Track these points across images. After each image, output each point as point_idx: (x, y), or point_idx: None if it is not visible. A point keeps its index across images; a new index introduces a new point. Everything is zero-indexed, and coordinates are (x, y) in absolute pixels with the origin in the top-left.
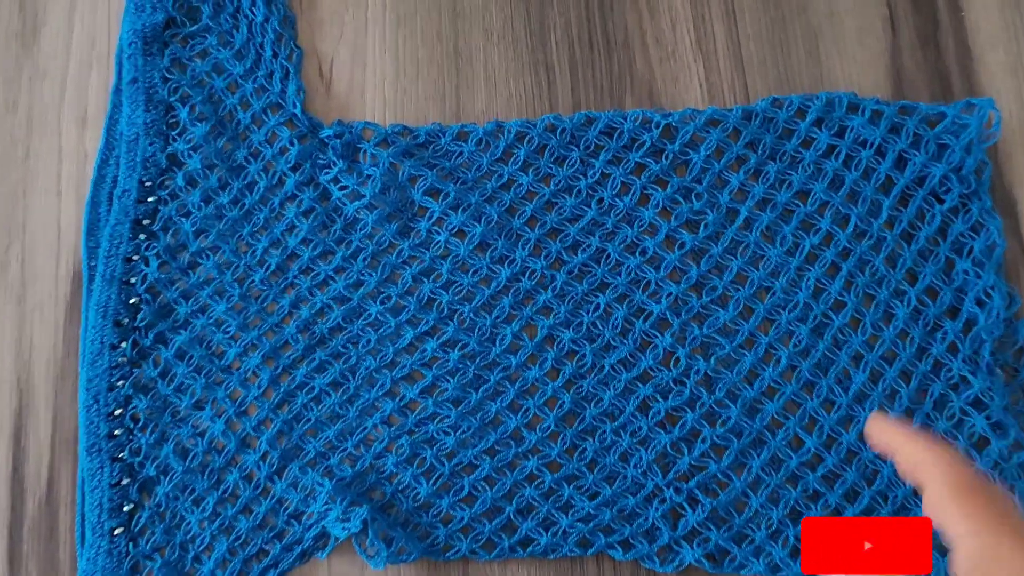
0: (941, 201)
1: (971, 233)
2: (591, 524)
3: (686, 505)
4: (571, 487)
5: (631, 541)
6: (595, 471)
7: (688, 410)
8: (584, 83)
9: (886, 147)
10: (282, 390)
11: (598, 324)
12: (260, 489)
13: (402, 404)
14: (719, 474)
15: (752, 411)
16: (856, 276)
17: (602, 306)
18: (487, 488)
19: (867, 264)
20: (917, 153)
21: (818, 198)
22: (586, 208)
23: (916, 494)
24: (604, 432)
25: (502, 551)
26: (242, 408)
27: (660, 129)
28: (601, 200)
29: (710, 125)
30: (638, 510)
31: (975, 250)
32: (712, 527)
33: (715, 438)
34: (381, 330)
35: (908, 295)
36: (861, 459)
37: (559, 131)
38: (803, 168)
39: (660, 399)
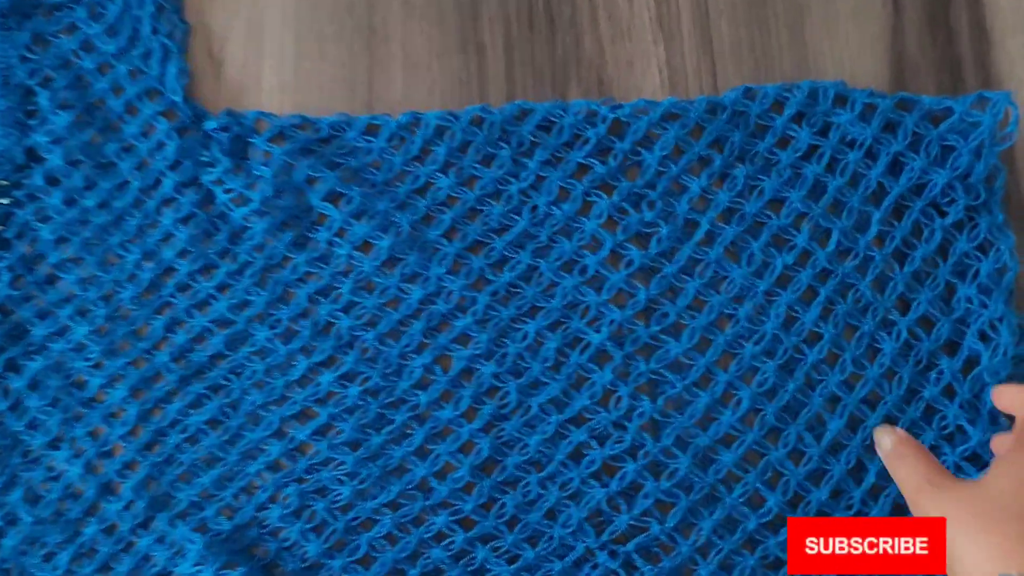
0: (943, 214)
1: (978, 253)
2: None
3: (622, 572)
4: (486, 548)
5: None
6: (515, 530)
7: (629, 459)
8: (521, 67)
9: (879, 148)
10: (152, 428)
11: (525, 356)
12: (123, 544)
13: (291, 447)
14: (663, 536)
15: (705, 462)
16: (836, 303)
17: (531, 335)
18: (387, 547)
19: (850, 289)
20: (916, 156)
21: (794, 208)
22: (516, 217)
23: None
24: (528, 484)
25: None
26: (105, 448)
27: (608, 124)
28: (535, 208)
29: (668, 120)
30: None
31: (981, 273)
32: None
33: (660, 493)
34: (269, 359)
35: (898, 327)
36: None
37: (487, 125)
38: (778, 172)
39: (596, 446)
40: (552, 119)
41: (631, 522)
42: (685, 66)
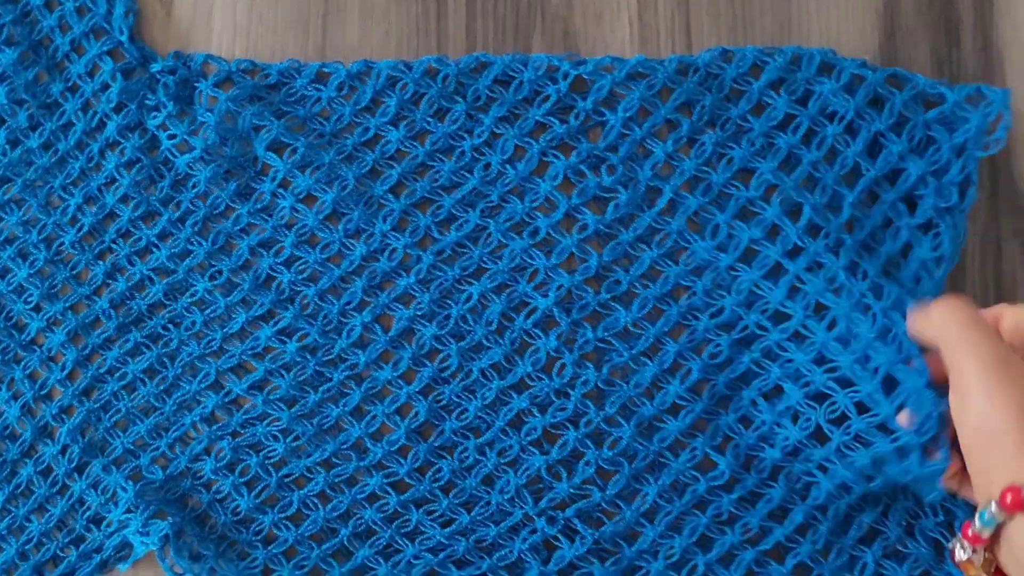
0: (913, 211)
1: (934, 265)
2: (441, 555)
3: (562, 538)
4: (420, 511)
5: None
6: (451, 495)
7: (571, 427)
8: (483, 17)
9: (860, 124)
10: (89, 374)
11: (468, 319)
12: (58, 487)
13: (227, 400)
14: (604, 503)
15: (650, 431)
16: (807, 282)
17: (475, 297)
18: (320, 506)
19: (822, 269)
20: (897, 139)
21: (765, 180)
22: (467, 175)
23: (861, 504)
24: (466, 450)
25: None
26: (43, 392)
27: (570, 81)
28: (488, 166)
29: (635, 79)
30: (501, 541)
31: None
32: (594, 560)
33: (602, 462)
34: (208, 311)
35: (873, 311)
36: (791, 472)
37: (442, 77)
38: (749, 141)
39: (537, 413)
40: (511, 73)
41: (571, 490)
42: (658, 21)
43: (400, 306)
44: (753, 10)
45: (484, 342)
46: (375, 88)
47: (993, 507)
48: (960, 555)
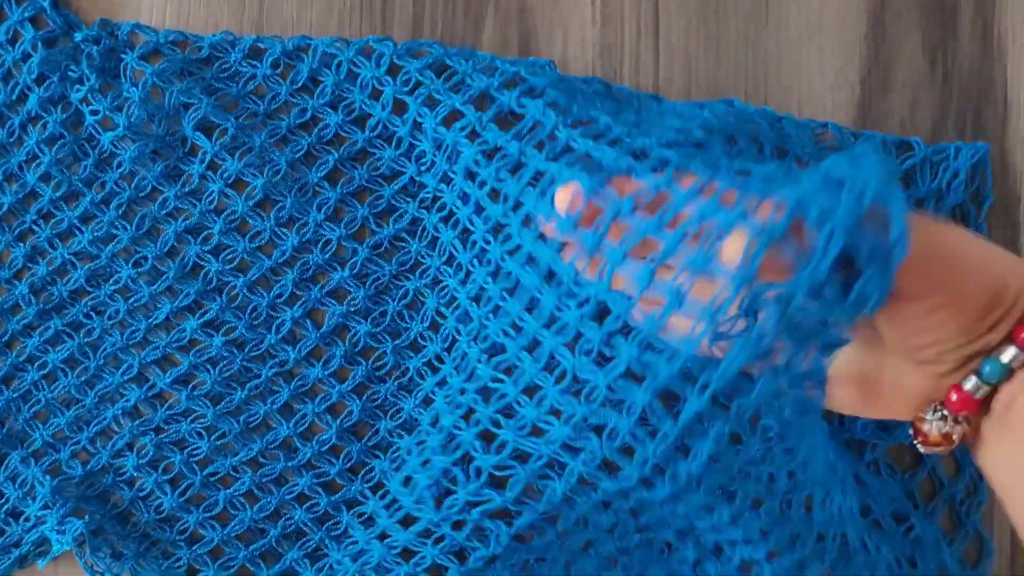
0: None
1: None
2: (359, 561)
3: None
4: (351, 514)
5: None
6: (380, 495)
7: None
8: None
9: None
10: (8, 362)
11: (405, 315)
12: None
13: (151, 394)
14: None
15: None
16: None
17: (411, 293)
18: (247, 506)
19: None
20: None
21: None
22: (407, 162)
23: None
24: (398, 450)
25: None
26: None
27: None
28: (423, 155)
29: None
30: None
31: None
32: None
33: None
34: (132, 299)
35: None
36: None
37: (377, 57)
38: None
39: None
40: (448, 63)
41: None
42: (623, 4)
43: (333, 301)
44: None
45: (420, 340)
46: (311, 67)
47: (1012, 350)
48: (934, 430)
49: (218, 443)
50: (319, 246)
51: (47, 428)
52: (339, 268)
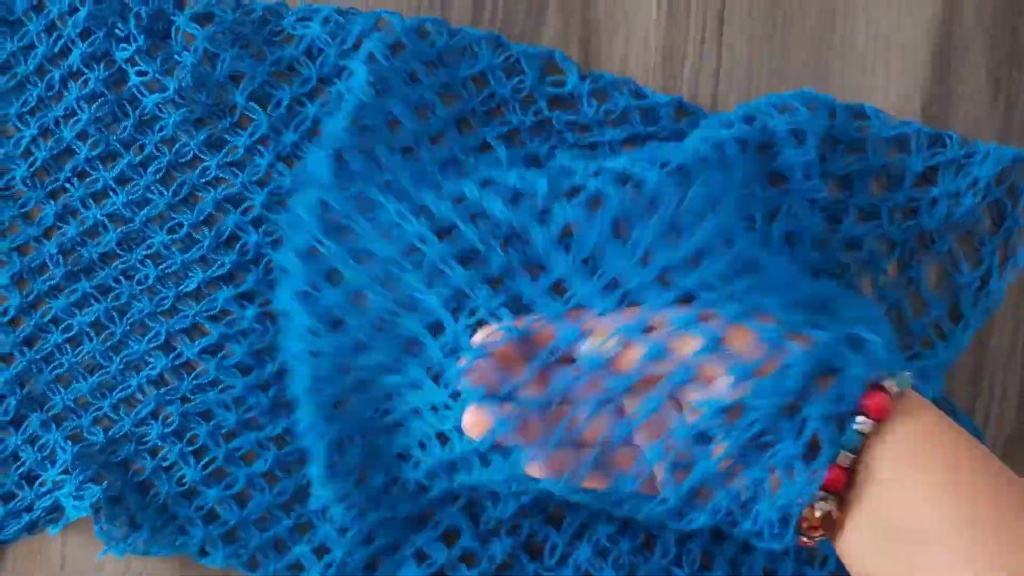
0: None
1: None
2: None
3: None
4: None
5: None
6: None
7: None
8: None
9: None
10: (32, 323)
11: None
12: None
13: (177, 363)
14: None
15: None
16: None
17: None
18: (266, 488)
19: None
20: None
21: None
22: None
23: None
24: None
25: (265, 573)
26: None
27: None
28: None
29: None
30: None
31: None
32: None
33: None
34: (163, 266)
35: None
36: None
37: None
38: None
39: None
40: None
41: None
42: (688, 3)
43: None
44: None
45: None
46: (362, 27)
47: (861, 419)
48: (816, 512)
49: (245, 416)
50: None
51: (69, 392)
52: None
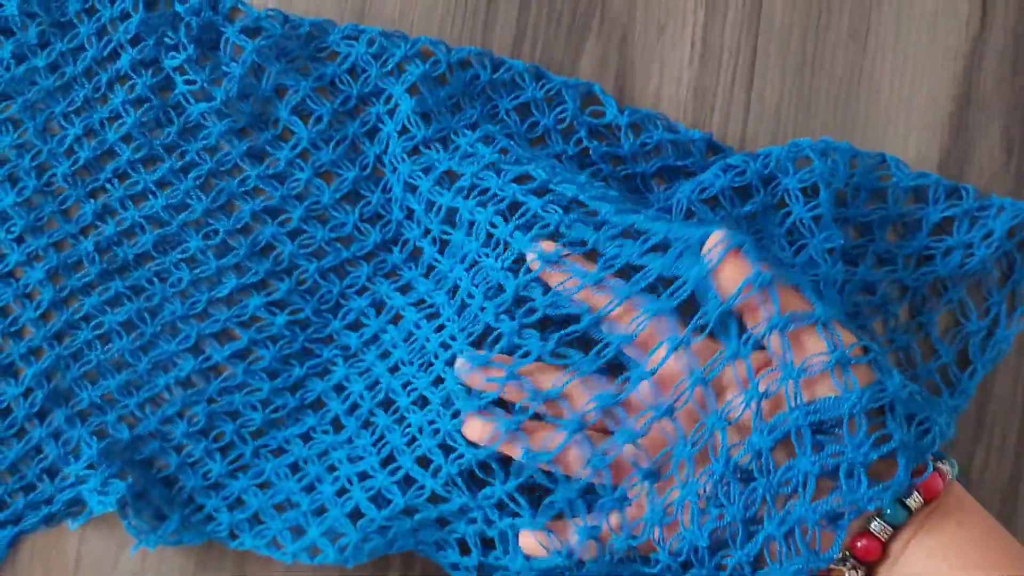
0: None
1: None
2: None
3: None
4: None
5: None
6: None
7: None
8: (537, 10)
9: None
10: (63, 318)
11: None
12: (15, 429)
13: (205, 365)
14: None
15: None
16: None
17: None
18: (289, 476)
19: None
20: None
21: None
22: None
23: None
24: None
25: (284, 554)
26: (12, 328)
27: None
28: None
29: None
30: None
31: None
32: None
33: None
34: (197, 270)
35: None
36: None
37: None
38: None
39: None
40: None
41: None
42: (723, 43)
43: (398, 294)
44: (826, 51)
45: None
46: (406, 53)
47: (916, 495)
48: None
49: (271, 416)
50: (398, 245)
51: (95, 389)
52: (414, 267)
